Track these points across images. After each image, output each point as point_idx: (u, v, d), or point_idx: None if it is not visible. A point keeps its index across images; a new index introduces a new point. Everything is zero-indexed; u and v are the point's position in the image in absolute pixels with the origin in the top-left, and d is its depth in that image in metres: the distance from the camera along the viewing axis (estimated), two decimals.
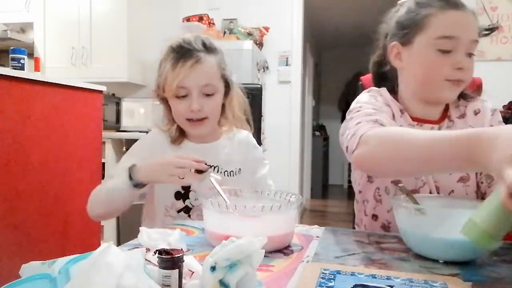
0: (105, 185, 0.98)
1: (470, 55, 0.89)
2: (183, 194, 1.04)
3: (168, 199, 1.04)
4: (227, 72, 1.05)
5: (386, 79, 1.03)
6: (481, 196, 0.96)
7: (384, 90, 1.00)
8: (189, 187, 1.04)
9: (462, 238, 0.60)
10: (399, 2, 1.00)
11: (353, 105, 0.96)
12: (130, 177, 0.90)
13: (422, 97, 0.95)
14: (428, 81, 0.92)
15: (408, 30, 0.93)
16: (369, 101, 0.95)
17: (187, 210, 1.04)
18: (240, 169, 1.10)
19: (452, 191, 0.95)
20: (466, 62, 0.88)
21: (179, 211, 1.04)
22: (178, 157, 0.89)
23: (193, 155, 0.90)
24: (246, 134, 1.15)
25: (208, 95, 1.00)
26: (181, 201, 1.04)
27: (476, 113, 0.99)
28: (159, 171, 0.89)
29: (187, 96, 0.99)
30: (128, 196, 0.94)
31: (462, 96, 0.99)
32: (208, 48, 1.01)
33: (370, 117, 0.86)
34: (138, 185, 0.91)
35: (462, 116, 0.99)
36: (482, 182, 0.96)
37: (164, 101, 1.06)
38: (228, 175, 1.07)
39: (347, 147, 0.86)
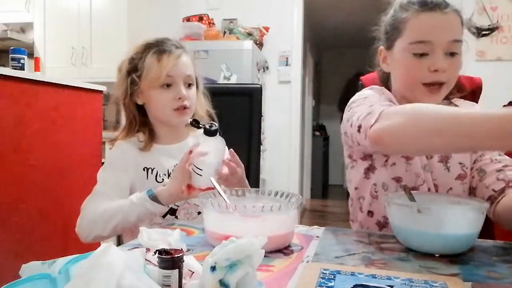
0: (104, 207, 0.93)
1: (453, 54, 0.87)
2: None
3: None
4: (197, 71, 1.11)
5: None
6: (473, 191, 0.95)
7: (385, 89, 1.00)
8: None
9: (453, 232, 0.66)
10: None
11: (356, 97, 0.95)
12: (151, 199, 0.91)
13: (409, 100, 0.93)
14: (407, 85, 0.93)
15: (389, 35, 0.94)
16: (374, 94, 0.95)
17: (172, 212, 1.03)
18: None
19: (451, 188, 0.95)
20: (444, 63, 0.86)
21: (164, 216, 1.02)
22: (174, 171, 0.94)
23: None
24: None
25: (189, 84, 1.06)
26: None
27: None
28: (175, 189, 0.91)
29: (171, 86, 1.03)
30: (146, 214, 0.93)
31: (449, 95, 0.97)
32: (183, 47, 1.08)
33: (381, 102, 0.85)
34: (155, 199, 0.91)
35: None
36: (473, 177, 0.95)
37: (131, 105, 1.06)
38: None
39: (359, 126, 0.82)
